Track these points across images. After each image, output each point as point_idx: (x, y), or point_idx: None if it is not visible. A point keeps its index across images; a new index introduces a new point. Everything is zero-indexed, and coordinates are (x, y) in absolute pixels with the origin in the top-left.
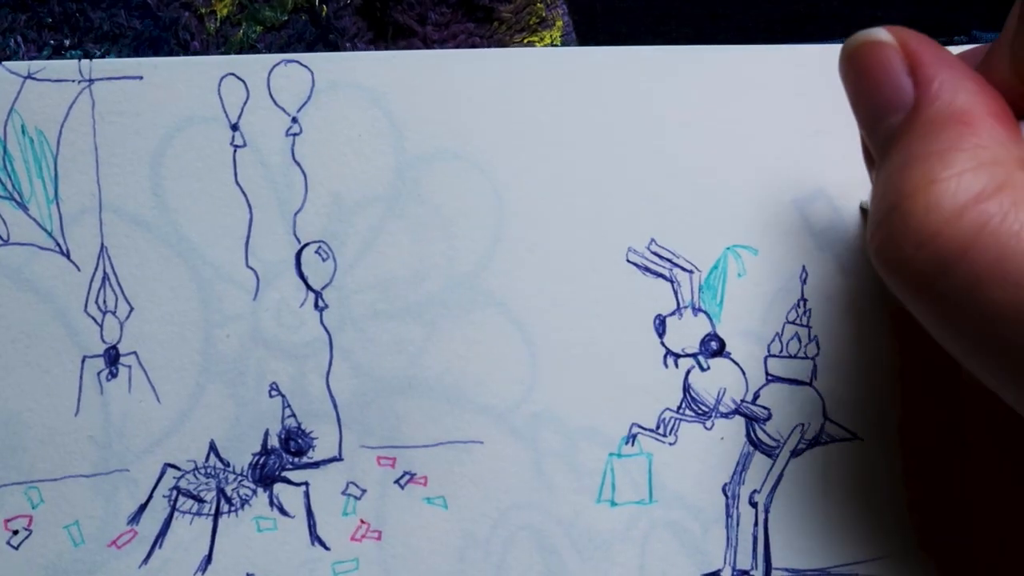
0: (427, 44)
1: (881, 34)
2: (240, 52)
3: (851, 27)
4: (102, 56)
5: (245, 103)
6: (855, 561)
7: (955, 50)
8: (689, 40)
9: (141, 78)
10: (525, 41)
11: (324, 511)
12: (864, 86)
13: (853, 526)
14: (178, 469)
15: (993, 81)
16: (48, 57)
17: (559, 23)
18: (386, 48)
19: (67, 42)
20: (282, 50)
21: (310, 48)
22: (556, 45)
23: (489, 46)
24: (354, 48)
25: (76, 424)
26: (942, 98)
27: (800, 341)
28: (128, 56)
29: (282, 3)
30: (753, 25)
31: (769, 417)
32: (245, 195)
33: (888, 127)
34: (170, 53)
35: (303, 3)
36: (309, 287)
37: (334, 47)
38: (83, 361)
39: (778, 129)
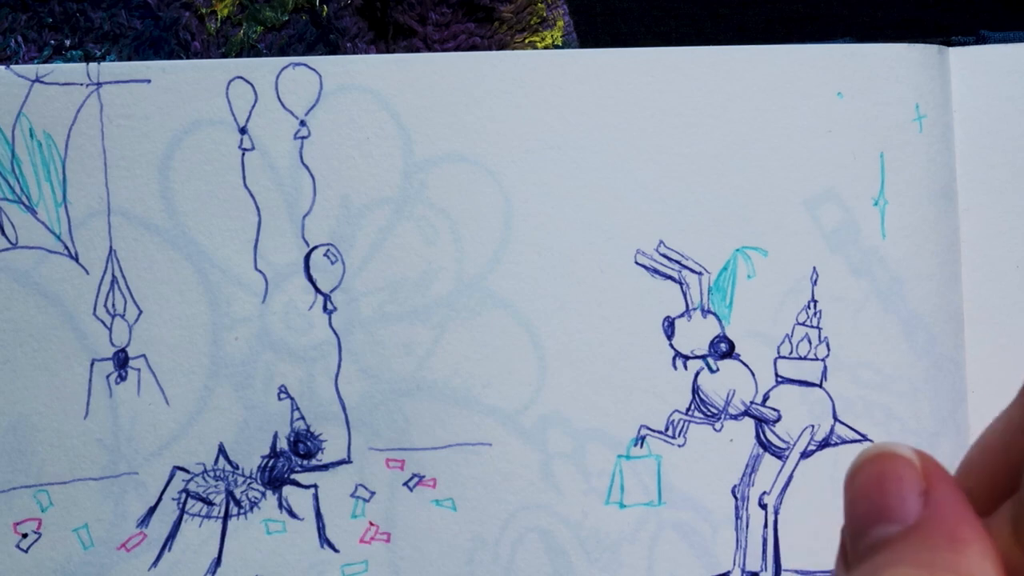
0: (428, 44)
1: (905, 450)
2: (240, 52)
3: (851, 27)
4: (103, 56)
5: (253, 106)
6: None
7: (958, 54)
8: (689, 39)
9: (149, 81)
10: (526, 41)
11: (333, 513)
12: (873, 492)
13: None
14: (187, 472)
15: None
16: (48, 57)
17: (560, 23)
18: (386, 48)
19: (68, 42)
20: (283, 50)
21: (311, 48)
22: (557, 45)
23: (490, 46)
24: (355, 48)
25: (85, 427)
26: (948, 522)
27: (810, 342)
28: (129, 56)
29: (283, 3)
30: (753, 25)
31: (779, 419)
32: (253, 198)
33: (881, 534)
34: (170, 53)
35: (304, 3)
36: (318, 290)
37: (334, 47)
38: (92, 364)
39: (787, 130)
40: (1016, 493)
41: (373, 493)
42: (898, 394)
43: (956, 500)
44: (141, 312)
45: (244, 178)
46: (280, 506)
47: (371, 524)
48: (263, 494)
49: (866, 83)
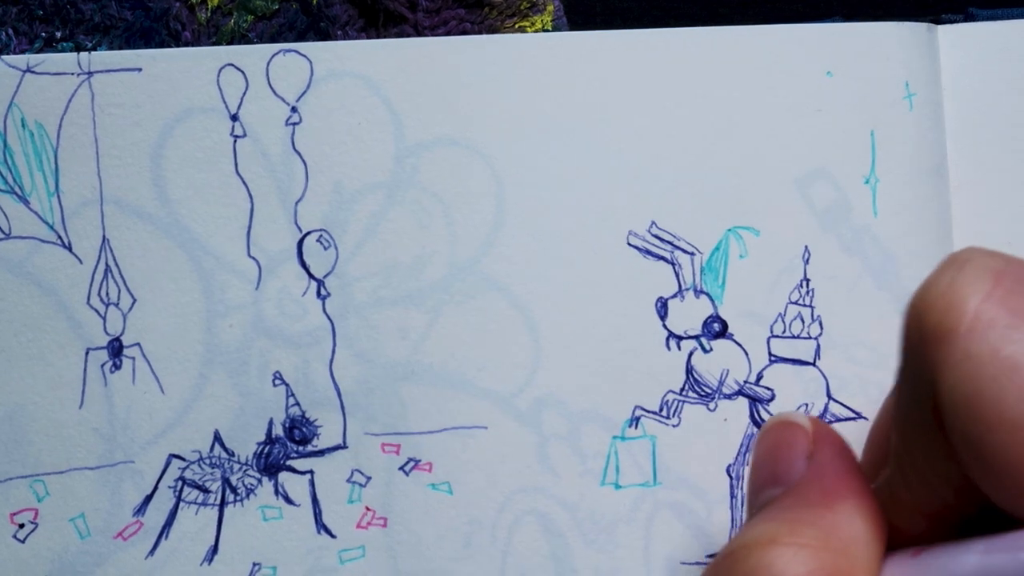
0: (418, 31)
1: (799, 418)
2: (231, 42)
3: (839, 6)
4: (93, 48)
5: (244, 93)
6: None
7: (946, 32)
8: None
9: (140, 70)
10: (516, 26)
11: (329, 499)
12: (767, 458)
13: None
14: (183, 460)
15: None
16: (39, 49)
17: (550, 8)
18: (377, 35)
19: (58, 34)
20: (273, 39)
21: (301, 36)
22: (547, 30)
23: (480, 31)
24: (345, 36)
25: (80, 417)
26: (823, 482)
27: (803, 321)
28: (120, 47)
29: None
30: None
31: (773, 398)
32: (246, 185)
33: (767, 496)
34: (161, 44)
35: None
36: (311, 276)
37: (325, 35)
38: (87, 353)
39: (777, 109)
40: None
41: (369, 478)
42: (892, 372)
43: (838, 462)
44: (135, 301)
45: (236, 165)
46: (276, 492)
47: (367, 509)
48: (259, 480)
49: (856, 62)
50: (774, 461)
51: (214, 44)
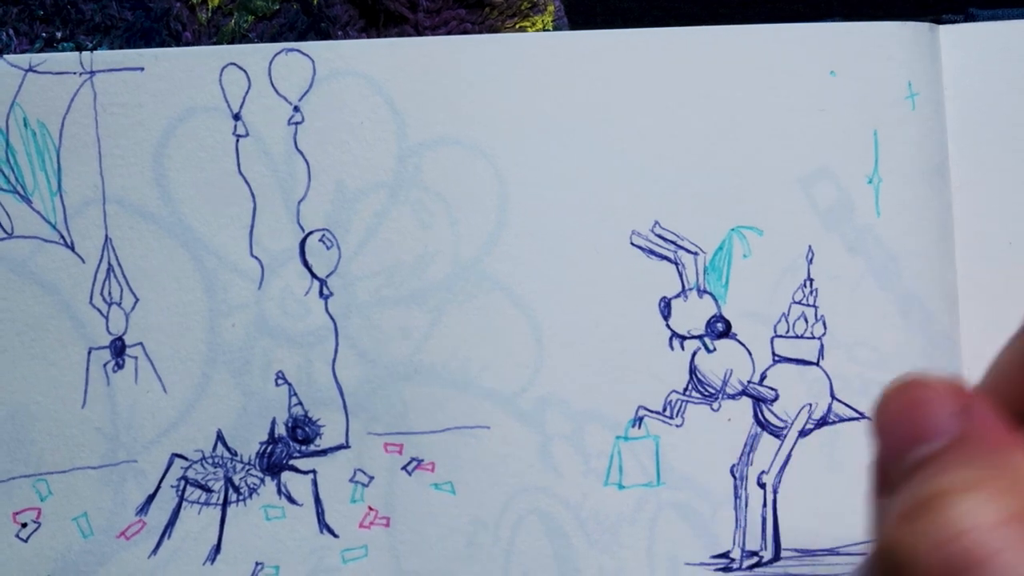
0: (419, 31)
1: (930, 376)
2: (232, 42)
3: (839, 6)
4: (94, 48)
5: (247, 93)
6: (864, 541)
7: (947, 32)
8: None
9: (142, 69)
10: (517, 26)
11: (332, 498)
12: (907, 417)
13: (861, 506)
14: (186, 459)
15: None
16: (40, 50)
17: (550, 8)
18: (377, 36)
19: (59, 34)
20: (273, 39)
21: (302, 37)
22: (547, 30)
23: (480, 32)
24: (345, 36)
25: (83, 416)
26: (992, 432)
27: (807, 321)
28: (120, 47)
29: None
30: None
31: (776, 398)
32: (248, 184)
33: (924, 452)
34: (162, 44)
35: None
36: (314, 275)
37: (325, 35)
38: (89, 353)
39: (781, 109)
40: None
41: (372, 478)
42: (895, 371)
43: (995, 415)
44: (137, 300)
45: (239, 164)
46: (279, 492)
47: (370, 509)
48: (262, 480)
49: (859, 61)
50: (919, 418)
51: (215, 44)
